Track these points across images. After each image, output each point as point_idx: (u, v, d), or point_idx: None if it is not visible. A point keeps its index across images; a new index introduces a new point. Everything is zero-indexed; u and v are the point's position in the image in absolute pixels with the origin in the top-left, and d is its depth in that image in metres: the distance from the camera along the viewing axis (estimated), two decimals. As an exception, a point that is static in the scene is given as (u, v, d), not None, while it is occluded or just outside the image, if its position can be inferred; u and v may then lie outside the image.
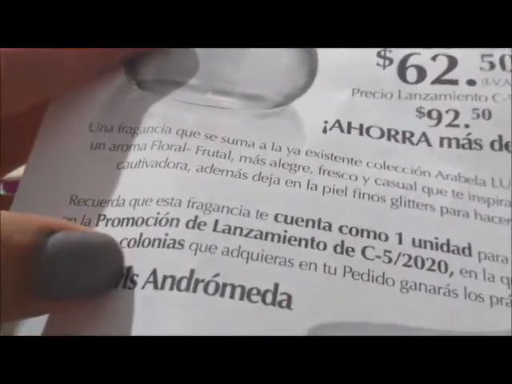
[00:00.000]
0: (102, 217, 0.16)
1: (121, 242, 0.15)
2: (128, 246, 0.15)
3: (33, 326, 0.15)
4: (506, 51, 0.18)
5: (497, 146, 0.17)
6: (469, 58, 0.18)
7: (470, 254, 0.15)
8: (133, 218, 0.15)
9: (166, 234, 0.15)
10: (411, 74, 0.18)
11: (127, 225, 0.15)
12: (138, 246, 0.15)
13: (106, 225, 0.15)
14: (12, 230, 0.13)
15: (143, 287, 0.14)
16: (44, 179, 0.17)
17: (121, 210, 0.16)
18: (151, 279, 0.14)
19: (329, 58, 0.19)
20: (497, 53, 0.18)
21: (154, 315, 0.14)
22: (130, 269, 0.15)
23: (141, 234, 0.15)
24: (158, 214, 0.15)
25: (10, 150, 0.18)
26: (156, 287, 0.14)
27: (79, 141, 0.17)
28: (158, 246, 0.15)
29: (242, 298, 0.14)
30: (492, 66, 0.18)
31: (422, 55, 0.19)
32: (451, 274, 0.15)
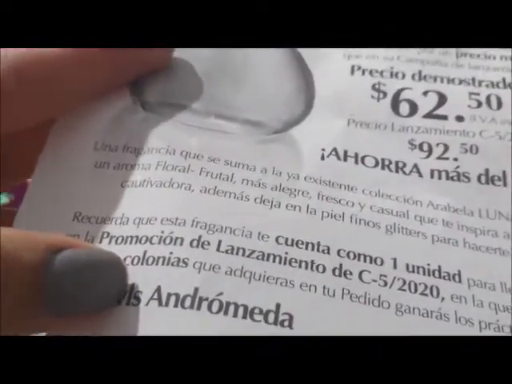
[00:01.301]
0: (105, 234, 0.16)
1: (124, 259, 0.15)
2: (132, 263, 0.15)
3: None
4: (492, 91, 0.20)
5: (483, 179, 0.18)
6: (457, 96, 0.20)
7: (460, 281, 0.16)
8: (137, 237, 0.16)
9: (171, 253, 0.15)
10: (404, 108, 0.20)
11: (131, 243, 0.16)
12: (141, 263, 0.15)
13: (110, 242, 0.16)
14: (21, 248, 0.13)
15: (147, 304, 0.14)
16: (48, 195, 0.17)
17: (124, 228, 0.16)
18: (155, 296, 0.14)
19: (326, 87, 0.20)
20: (483, 92, 0.20)
21: (159, 331, 0.14)
22: (133, 286, 0.15)
23: (145, 252, 0.15)
24: (163, 232, 0.16)
25: (17, 164, 0.18)
26: (160, 304, 0.14)
27: (83, 159, 0.18)
28: (163, 264, 0.15)
29: (245, 317, 0.14)
30: (479, 104, 0.19)
31: (414, 90, 0.20)
32: (442, 299, 0.15)
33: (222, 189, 0.17)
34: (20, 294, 0.13)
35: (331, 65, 0.21)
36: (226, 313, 0.14)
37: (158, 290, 0.15)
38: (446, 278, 0.16)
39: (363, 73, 0.20)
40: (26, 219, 0.16)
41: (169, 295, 0.14)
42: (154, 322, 0.14)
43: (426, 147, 0.19)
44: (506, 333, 0.15)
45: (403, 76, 0.20)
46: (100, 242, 0.16)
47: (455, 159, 0.18)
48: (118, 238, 0.16)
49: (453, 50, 0.21)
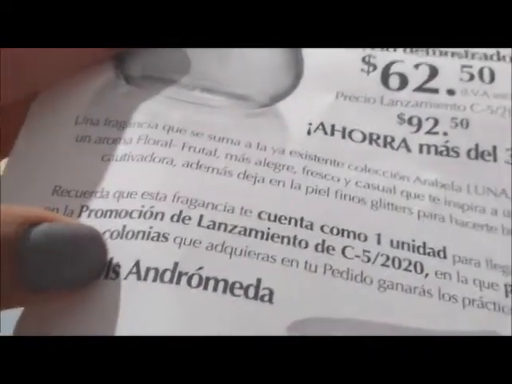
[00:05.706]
0: (84, 208, 0.16)
1: (103, 233, 0.15)
2: (111, 237, 0.15)
3: (15, 318, 0.15)
4: (485, 63, 0.19)
5: (473, 154, 0.18)
6: (449, 68, 0.19)
7: (445, 257, 0.16)
8: (116, 210, 0.15)
9: (151, 227, 0.15)
10: (394, 81, 0.19)
11: (110, 216, 0.15)
12: (121, 237, 0.15)
13: (89, 216, 0.15)
14: None
15: (126, 278, 0.14)
16: (27, 169, 0.17)
17: (104, 201, 0.16)
18: (134, 270, 0.14)
19: (315, 61, 0.19)
20: (476, 64, 0.19)
21: (137, 305, 0.14)
22: (111, 260, 0.15)
23: (124, 226, 0.15)
24: (143, 207, 0.15)
25: None
26: (139, 278, 0.14)
27: (65, 133, 0.17)
28: (142, 238, 0.15)
29: (224, 292, 0.14)
30: (471, 77, 0.19)
31: (405, 63, 0.19)
32: (426, 275, 0.15)
33: (205, 163, 0.16)
34: None
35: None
36: (205, 287, 0.14)
37: (137, 264, 0.14)
38: (431, 254, 0.16)
39: None
40: (5, 193, 0.16)
41: (148, 269, 0.14)
42: (132, 295, 0.14)
43: (415, 121, 0.18)
44: (489, 309, 0.15)
45: (394, 48, 0.20)
46: (79, 215, 0.16)
47: (445, 134, 0.18)
48: (97, 212, 0.16)
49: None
